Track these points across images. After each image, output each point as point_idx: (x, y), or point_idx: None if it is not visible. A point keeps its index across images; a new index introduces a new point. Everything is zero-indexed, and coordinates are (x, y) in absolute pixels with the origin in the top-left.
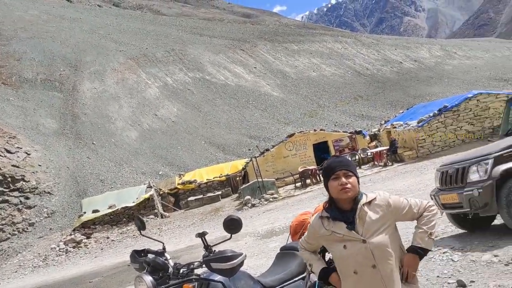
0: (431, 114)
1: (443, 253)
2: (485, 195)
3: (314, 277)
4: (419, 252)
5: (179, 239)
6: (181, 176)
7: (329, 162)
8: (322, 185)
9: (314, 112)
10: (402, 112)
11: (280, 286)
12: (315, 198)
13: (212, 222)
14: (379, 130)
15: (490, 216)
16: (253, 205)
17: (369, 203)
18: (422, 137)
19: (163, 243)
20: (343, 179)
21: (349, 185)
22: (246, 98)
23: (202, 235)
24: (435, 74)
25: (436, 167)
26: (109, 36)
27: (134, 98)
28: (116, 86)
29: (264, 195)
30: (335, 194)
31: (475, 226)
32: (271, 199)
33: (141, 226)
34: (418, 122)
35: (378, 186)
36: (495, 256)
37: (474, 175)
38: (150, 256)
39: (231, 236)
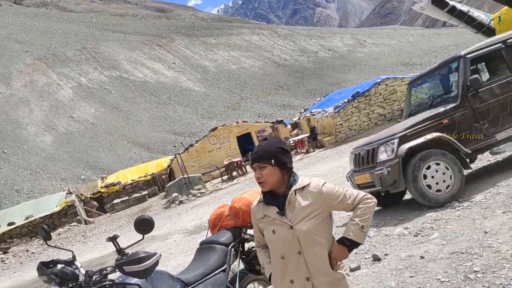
0: (346, 100)
1: None
2: (393, 173)
3: (235, 268)
4: (347, 244)
5: (105, 244)
6: (104, 179)
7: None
8: (249, 176)
9: (237, 104)
10: (320, 99)
11: (201, 281)
12: (242, 189)
13: None
14: (299, 119)
15: (400, 192)
16: (181, 202)
17: (302, 189)
18: (339, 122)
19: (73, 252)
20: (257, 172)
21: (262, 178)
22: (168, 94)
23: (113, 239)
24: (349, 61)
25: (350, 150)
26: (11, 36)
27: (46, 101)
28: (24, 89)
29: (191, 191)
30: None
31: (387, 203)
32: (198, 194)
33: (47, 237)
34: (335, 109)
35: (301, 172)
36: (406, 228)
37: (382, 155)
38: (59, 266)
39: (143, 237)
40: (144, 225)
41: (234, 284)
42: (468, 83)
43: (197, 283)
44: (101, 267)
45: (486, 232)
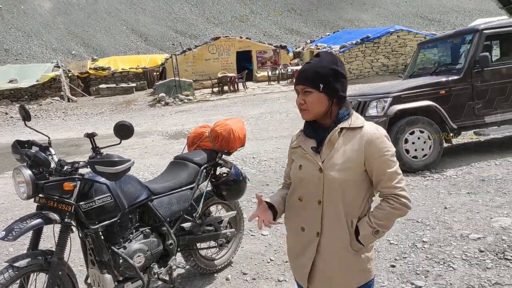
0: (354, 42)
1: None
2: None
3: (203, 188)
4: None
5: (84, 126)
6: (94, 60)
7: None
8: (239, 94)
9: (246, 17)
10: (329, 34)
11: (168, 193)
12: (229, 106)
13: (122, 115)
14: (303, 49)
15: None
16: (167, 104)
17: (351, 129)
18: None
19: (49, 137)
20: (299, 98)
21: (304, 106)
22: None
23: (91, 136)
24: (369, 1)
25: None
26: None
27: None
28: None
29: (179, 95)
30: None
31: None
32: (185, 100)
33: (26, 117)
34: (341, 48)
35: (290, 104)
36: None
37: (372, 110)
38: (34, 148)
39: (120, 141)
40: (123, 131)
41: (198, 203)
42: (477, 58)
43: (163, 194)
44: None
45: (445, 208)
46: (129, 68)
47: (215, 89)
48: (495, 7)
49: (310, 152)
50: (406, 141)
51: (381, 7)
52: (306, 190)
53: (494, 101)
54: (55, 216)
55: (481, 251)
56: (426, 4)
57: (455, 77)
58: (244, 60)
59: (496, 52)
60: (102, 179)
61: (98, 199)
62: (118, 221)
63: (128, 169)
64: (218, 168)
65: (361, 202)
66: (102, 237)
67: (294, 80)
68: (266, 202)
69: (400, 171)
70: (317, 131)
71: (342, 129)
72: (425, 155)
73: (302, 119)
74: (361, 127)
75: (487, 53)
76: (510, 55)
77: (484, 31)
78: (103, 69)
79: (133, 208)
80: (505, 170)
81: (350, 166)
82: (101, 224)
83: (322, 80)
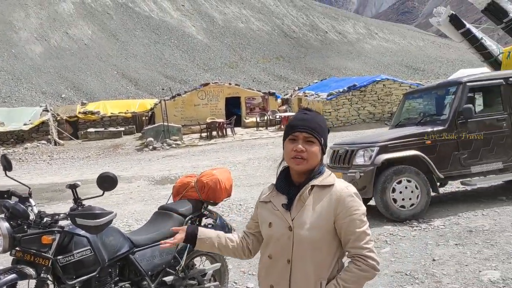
0: (341, 90)
1: None
2: (365, 179)
3: None
4: None
5: (69, 171)
6: (84, 104)
7: (292, 119)
8: (227, 140)
9: (235, 64)
10: (316, 82)
11: (151, 245)
12: (217, 151)
13: (108, 159)
14: (291, 96)
15: (365, 199)
16: (155, 148)
17: (322, 187)
18: (329, 110)
19: (30, 188)
20: (300, 145)
21: (304, 154)
22: (169, 35)
23: (73, 187)
24: (355, 50)
25: (330, 145)
26: None
27: (45, 10)
28: None
29: (167, 139)
30: (287, 159)
31: None
32: (174, 145)
33: (7, 167)
34: (328, 95)
35: (278, 150)
36: None
37: (359, 159)
38: (13, 199)
39: (103, 193)
40: (107, 182)
41: (181, 255)
42: (461, 110)
43: (146, 247)
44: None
45: (434, 260)
46: (118, 112)
47: (204, 134)
48: (476, 59)
49: (281, 209)
50: (394, 190)
51: (367, 56)
52: (276, 248)
53: (479, 152)
54: (30, 271)
55: None
56: (411, 54)
57: (441, 128)
58: (233, 106)
59: (479, 103)
60: (83, 232)
61: (77, 253)
62: (97, 275)
63: (110, 221)
64: (203, 219)
65: (331, 262)
66: None
67: (283, 126)
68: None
69: (369, 232)
70: (289, 187)
71: (313, 186)
72: (412, 204)
73: (294, 168)
74: (331, 185)
75: (470, 105)
76: (492, 107)
77: (468, 84)
78: (92, 113)
79: (113, 262)
80: (492, 220)
81: (320, 225)
82: (78, 280)
83: (323, 135)
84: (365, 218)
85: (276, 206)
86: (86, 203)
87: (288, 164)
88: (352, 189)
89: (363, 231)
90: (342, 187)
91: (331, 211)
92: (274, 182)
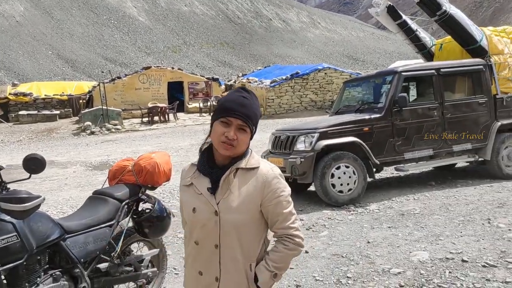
0: (284, 77)
1: None
2: (305, 165)
3: (123, 225)
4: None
5: None
6: (15, 85)
7: (228, 98)
8: (169, 125)
9: (179, 48)
10: (260, 69)
11: (84, 231)
12: (159, 136)
13: (41, 144)
14: (235, 82)
15: (306, 184)
16: (93, 133)
17: (246, 170)
18: (272, 97)
19: None
20: (232, 132)
21: (235, 142)
22: (108, 15)
23: None
24: (298, 38)
25: (272, 130)
26: None
27: None
28: None
29: (106, 124)
30: (215, 142)
31: (292, 191)
32: (113, 130)
33: None
34: (271, 82)
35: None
36: (301, 220)
37: (300, 145)
38: None
39: (30, 176)
40: (34, 164)
41: (117, 241)
42: (396, 98)
43: (78, 233)
44: None
45: (368, 242)
46: (53, 95)
47: (145, 119)
48: (412, 51)
49: (205, 193)
50: (332, 175)
51: (310, 45)
52: (202, 234)
53: (412, 139)
54: None
55: (401, 286)
56: (351, 44)
57: (377, 115)
58: (175, 91)
59: (413, 93)
60: (8, 217)
61: (2, 239)
62: (24, 263)
63: (38, 206)
64: (141, 203)
65: (259, 243)
66: (5, 281)
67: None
68: None
69: (294, 211)
70: (212, 168)
71: (237, 169)
72: (350, 190)
73: (221, 153)
74: (256, 168)
75: (405, 94)
76: (425, 96)
77: (403, 73)
78: (24, 94)
79: (42, 249)
80: (422, 204)
81: (247, 208)
82: (4, 268)
83: (256, 124)
84: (290, 199)
85: (200, 189)
86: (11, 187)
87: (215, 146)
88: (277, 170)
89: (289, 212)
90: (268, 168)
91: (258, 194)
92: (194, 161)
